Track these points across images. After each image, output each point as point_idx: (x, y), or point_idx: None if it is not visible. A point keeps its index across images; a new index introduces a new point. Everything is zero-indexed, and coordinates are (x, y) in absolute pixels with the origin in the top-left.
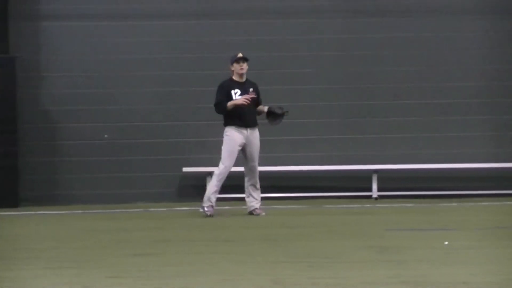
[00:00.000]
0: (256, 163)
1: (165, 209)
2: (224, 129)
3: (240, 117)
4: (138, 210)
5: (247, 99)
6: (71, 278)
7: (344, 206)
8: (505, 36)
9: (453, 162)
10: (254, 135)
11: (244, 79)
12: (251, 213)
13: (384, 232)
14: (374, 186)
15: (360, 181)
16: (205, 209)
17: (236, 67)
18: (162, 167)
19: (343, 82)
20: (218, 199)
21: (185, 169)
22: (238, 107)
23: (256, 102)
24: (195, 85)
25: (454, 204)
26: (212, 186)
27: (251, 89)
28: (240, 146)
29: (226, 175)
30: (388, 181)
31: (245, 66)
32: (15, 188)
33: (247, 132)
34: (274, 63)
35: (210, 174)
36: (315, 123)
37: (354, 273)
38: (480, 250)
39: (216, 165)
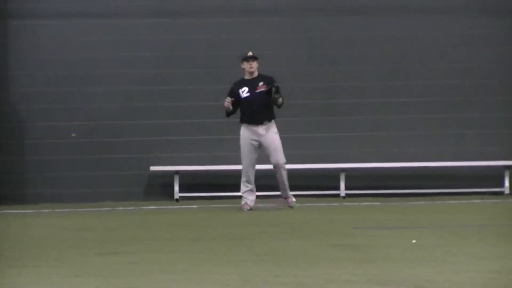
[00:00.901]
0: (276, 159)
1: (132, 208)
2: None
3: (249, 115)
4: (106, 209)
5: (227, 102)
6: (37, 277)
7: (312, 204)
8: (469, 35)
9: (420, 160)
10: (269, 131)
11: (254, 76)
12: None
13: (351, 230)
14: (342, 185)
15: (328, 180)
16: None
17: (246, 65)
18: (130, 166)
19: (311, 81)
20: (187, 198)
21: (152, 168)
22: (245, 104)
23: (265, 95)
24: (163, 83)
25: (422, 202)
26: (241, 187)
27: (260, 83)
28: (253, 143)
29: (249, 174)
30: (356, 179)
31: (254, 64)
32: None
33: (258, 129)
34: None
35: (178, 172)
36: (283, 121)
37: (320, 271)
38: (447, 249)
39: (183, 163)
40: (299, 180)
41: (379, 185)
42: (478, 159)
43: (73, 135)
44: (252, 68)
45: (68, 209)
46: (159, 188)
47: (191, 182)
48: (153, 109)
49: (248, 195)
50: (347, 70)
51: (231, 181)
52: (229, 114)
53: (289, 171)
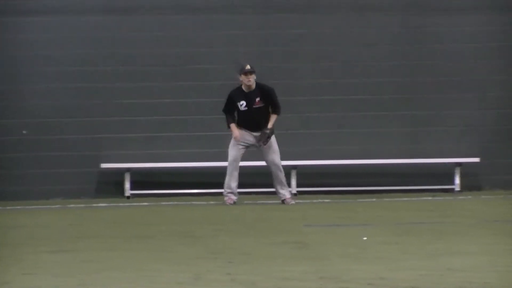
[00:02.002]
0: (273, 159)
1: (83, 205)
2: None
3: (245, 124)
4: (56, 206)
5: (236, 138)
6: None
7: (264, 202)
8: (417, 32)
9: (372, 158)
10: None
11: (252, 89)
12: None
13: (303, 228)
14: (293, 182)
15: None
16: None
17: (244, 78)
18: (81, 163)
19: (262, 78)
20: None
21: (103, 165)
22: (242, 116)
23: (262, 109)
24: (115, 81)
25: (373, 200)
26: (224, 187)
27: (257, 99)
28: (244, 143)
29: (234, 166)
30: (307, 176)
31: (252, 78)
32: None
33: (254, 133)
34: (190, 59)
35: (129, 170)
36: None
37: (273, 269)
38: (398, 246)
39: (135, 161)
40: (250, 178)
41: (331, 182)
42: (429, 157)
43: (24, 132)
44: (250, 82)
45: (19, 207)
46: (110, 186)
47: (142, 180)
48: (105, 106)
49: (231, 185)
50: (299, 68)
51: (183, 179)
52: (227, 123)
53: (242, 168)
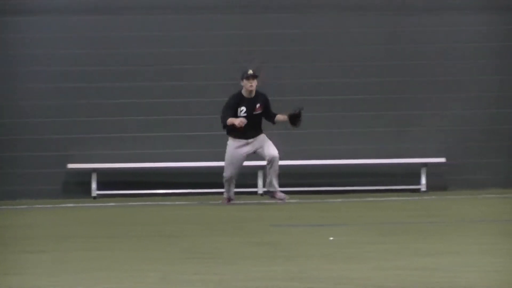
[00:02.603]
0: (270, 152)
1: (50, 205)
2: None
3: (241, 132)
4: (23, 207)
5: (241, 122)
6: None
7: (236, 202)
8: (392, 32)
9: (338, 158)
10: (257, 139)
11: (253, 95)
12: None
13: (269, 228)
14: (260, 182)
15: (246, 178)
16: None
17: (246, 83)
18: (47, 164)
19: (223, 79)
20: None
21: (70, 166)
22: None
23: (261, 116)
24: (81, 81)
25: (340, 200)
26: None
27: (257, 105)
28: (244, 153)
29: (231, 181)
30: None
31: (254, 83)
32: None
33: (248, 140)
34: (159, 59)
35: (95, 170)
36: (197, 119)
37: (241, 269)
38: (364, 246)
39: (101, 161)
40: (215, 178)
41: (297, 182)
42: (396, 157)
43: None
44: (252, 87)
45: None
46: (77, 186)
47: (109, 180)
48: (71, 106)
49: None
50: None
51: (150, 179)
52: (223, 124)
53: (206, 169)
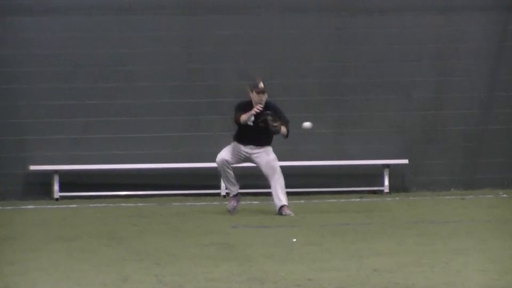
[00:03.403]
0: (270, 174)
1: (10, 207)
2: None
3: (247, 139)
4: None
5: (258, 108)
6: None
7: (192, 204)
8: (342, 33)
9: (300, 159)
10: (266, 152)
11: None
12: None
13: (230, 229)
14: (223, 184)
15: (208, 179)
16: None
17: (255, 97)
18: (8, 165)
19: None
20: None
21: (32, 167)
22: (246, 130)
23: (265, 124)
24: (43, 81)
25: (302, 201)
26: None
27: (267, 112)
28: (244, 150)
29: (224, 166)
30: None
31: (264, 98)
32: None
33: (246, 148)
34: (117, 59)
35: (57, 172)
36: (159, 120)
37: (200, 270)
38: (324, 247)
39: (64, 162)
40: (179, 179)
41: (257, 184)
42: (358, 158)
43: None
44: (262, 101)
45: None
46: (39, 187)
47: (71, 181)
48: (33, 107)
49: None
50: (226, 68)
51: (112, 181)
52: (237, 122)
53: (170, 170)
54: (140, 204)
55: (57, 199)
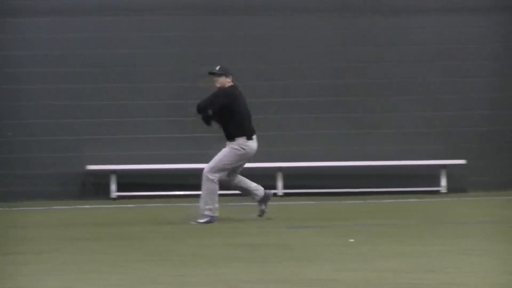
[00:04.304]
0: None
1: (67, 207)
2: None
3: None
4: (39, 208)
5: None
6: None
7: (247, 204)
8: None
9: (358, 159)
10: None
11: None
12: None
13: (285, 229)
14: (279, 184)
15: (264, 179)
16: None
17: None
18: (65, 165)
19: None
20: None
21: (89, 167)
22: (244, 115)
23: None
24: (99, 82)
25: (360, 201)
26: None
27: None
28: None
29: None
30: (293, 178)
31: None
32: None
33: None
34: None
35: (114, 171)
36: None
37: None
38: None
39: (121, 162)
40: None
41: (316, 184)
42: (416, 158)
43: (9, 134)
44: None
45: (3, 208)
46: (96, 187)
47: (129, 181)
48: (90, 107)
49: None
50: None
51: (169, 181)
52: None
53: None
54: (196, 204)
55: (114, 199)
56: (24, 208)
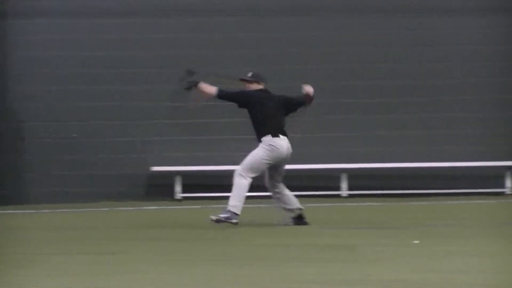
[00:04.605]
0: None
1: (133, 208)
2: None
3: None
4: (104, 209)
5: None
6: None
7: (312, 204)
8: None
9: (422, 160)
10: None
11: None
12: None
13: (348, 230)
14: (344, 185)
15: (328, 180)
16: None
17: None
18: (130, 166)
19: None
20: (189, 198)
21: (154, 168)
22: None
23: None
24: (166, 82)
25: (424, 203)
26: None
27: None
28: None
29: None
30: (357, 179)
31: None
32: None
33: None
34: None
35: (179, 173)
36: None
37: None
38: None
39: (185, 164)
40: (300, 180)
41: (381, 185)
42: (480, 160)
43: (74, 135)
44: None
45: (68, 209)
46: (161, 189)
47: (193, 183)
48: (155, 109)
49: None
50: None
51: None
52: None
53: (291, 171)
54: (264, 205)
55: (179, 200)
56: (90, 209)
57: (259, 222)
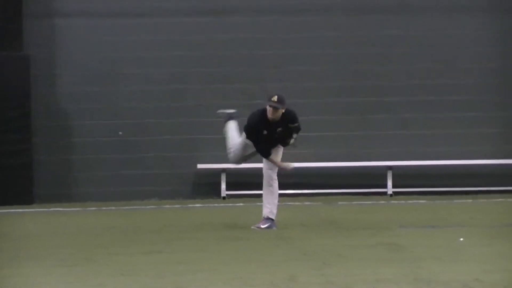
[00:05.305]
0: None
1: (179, 206)
2: None
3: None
4: (152, 207)
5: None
6: (83, 276)
7: (359, 202)
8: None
9: (467, 158)
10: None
11: (276, 120)
12: None
13: (397, 229)
14: (389, 183)
15: (375, 178)
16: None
17: (268, 110)
18: (177, 164)
19: (355, 79)
20: (234, 196)
21: (199, 166)
22: (262, 141)
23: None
24: (212, 82)
25: (469, 200)
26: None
27: (279, 129)
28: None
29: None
30: (403, 177)
31: (276, 113)
32: (30, 186)
33: None
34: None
35: (224, 170)
36: (329, 120)
37: (366, 271)
38: (492, 248)
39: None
40: (345, 178)
41: (426, 183)
42: None
43: (120, 133)
44: (271, 116)
45: (115, 207)
46: (206, 186)
47: (238, 181)
48: (201, 107)
49: None
50: (393, 69)
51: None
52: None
53: (335, 169)
54: (307, 203)
55: (224, 198)
56: (136, 207)
57: (314, 222)
